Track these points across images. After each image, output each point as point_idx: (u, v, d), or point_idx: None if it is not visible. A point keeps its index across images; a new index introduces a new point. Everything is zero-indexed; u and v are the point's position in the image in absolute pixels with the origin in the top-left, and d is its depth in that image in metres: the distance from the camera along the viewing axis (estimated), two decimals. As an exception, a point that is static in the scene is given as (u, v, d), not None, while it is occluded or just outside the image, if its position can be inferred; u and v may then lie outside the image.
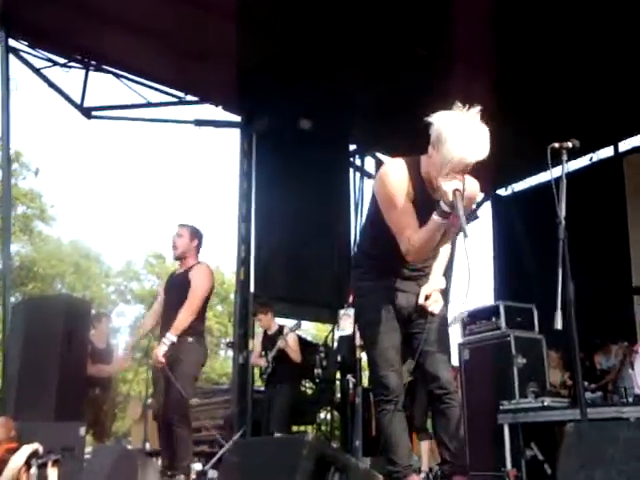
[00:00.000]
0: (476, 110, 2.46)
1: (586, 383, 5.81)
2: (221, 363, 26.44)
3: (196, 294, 4.54)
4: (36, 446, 3.92)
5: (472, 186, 2.49)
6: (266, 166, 8.42)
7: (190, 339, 4.51)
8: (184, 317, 4.46)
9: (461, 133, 2.38)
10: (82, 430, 5.54)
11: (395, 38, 7.11)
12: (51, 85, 7.88)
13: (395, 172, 2.64)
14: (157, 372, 4.61)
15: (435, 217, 2.49)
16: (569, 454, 1.69)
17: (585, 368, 6.28)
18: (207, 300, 4.73)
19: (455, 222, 2.43)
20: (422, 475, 5.56)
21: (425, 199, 2.62)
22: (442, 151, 2.42)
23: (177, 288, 4.67)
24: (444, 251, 2.92)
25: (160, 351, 4.40)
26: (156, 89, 8.49)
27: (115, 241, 48.95)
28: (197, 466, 9.75)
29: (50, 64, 7.80)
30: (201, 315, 4.69)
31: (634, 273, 8.15)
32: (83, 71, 8.04)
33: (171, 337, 4.40)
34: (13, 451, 3.90)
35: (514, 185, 10.67)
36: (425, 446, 5.79)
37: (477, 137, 2.40)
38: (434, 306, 2.81)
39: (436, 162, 2.47)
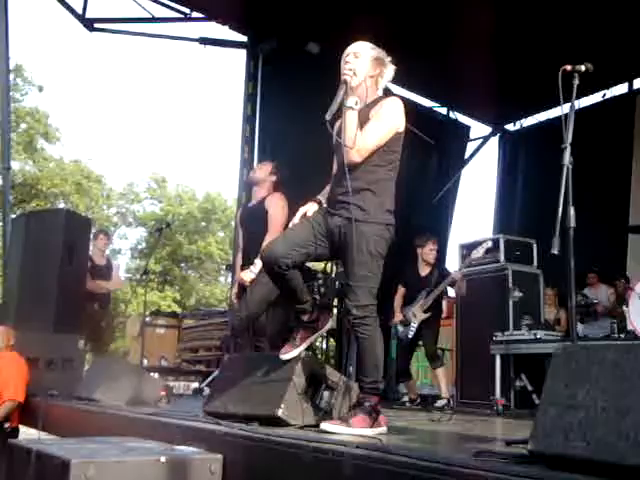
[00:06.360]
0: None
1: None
2: (222, 289, 26.66)
3: (276, 223, 4.62)
4: None
5: None
6: (271, 89, 8.24)
7: None
8: None
9: None
10: (80, 342, 5.65)
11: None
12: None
13: None
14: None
15: None
16: (555, 374, 1.70)
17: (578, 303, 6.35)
18: (286, 226, 4.78)
19: None
20: (443, 401, 5.74)
21: None
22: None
23: (255, 219, 4.77)
24: None
25: (247, 276, 4.56)
26: (161, 3, 8.22)
27: (117, 163, 48.63)
28: (194, 384, 10.03)
29: (49, -30, 7.54)
30: None
31: (632, 212, 8.13)
32: (85, -21, 7.80)
33: (258, 263, 4.52)
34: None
35: (523, 120, 10.51)
36: (441, 373, 5.89)
37: None
38: None
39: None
